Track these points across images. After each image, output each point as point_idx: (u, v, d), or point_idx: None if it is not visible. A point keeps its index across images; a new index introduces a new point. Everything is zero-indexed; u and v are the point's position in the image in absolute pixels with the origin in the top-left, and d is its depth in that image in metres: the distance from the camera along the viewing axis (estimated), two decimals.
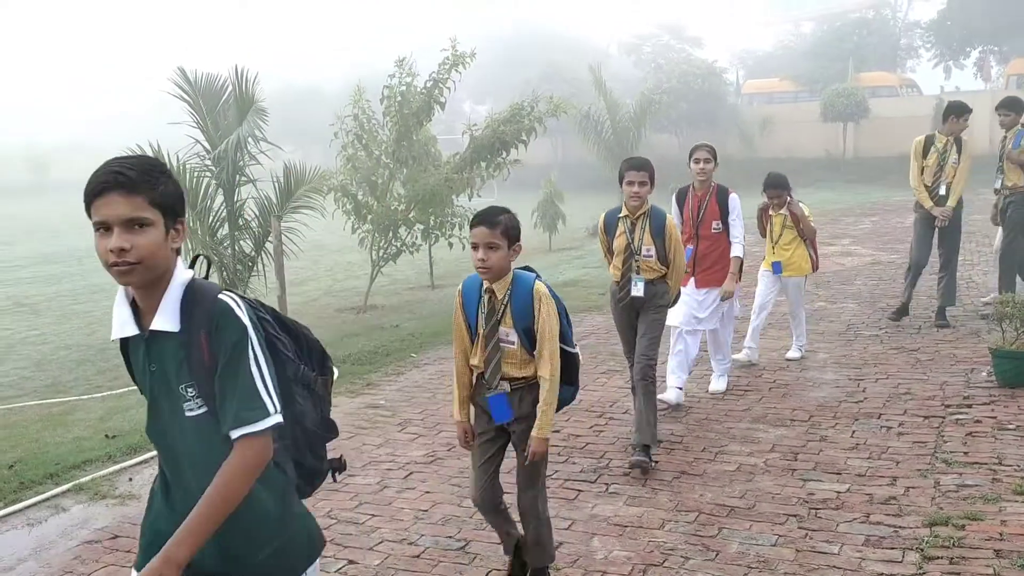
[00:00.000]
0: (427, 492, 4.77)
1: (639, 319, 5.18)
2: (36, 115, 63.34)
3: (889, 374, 6.42)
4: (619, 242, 5.19)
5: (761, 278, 7.12)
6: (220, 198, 9.42)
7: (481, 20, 43.26)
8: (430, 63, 11.44)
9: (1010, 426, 5.15)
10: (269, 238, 9.13)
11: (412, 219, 11.40)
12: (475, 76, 30.86)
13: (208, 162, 9.35)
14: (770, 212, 7.00)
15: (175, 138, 9.39)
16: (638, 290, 5.12)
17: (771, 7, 53.61)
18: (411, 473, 5.07)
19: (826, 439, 5.18)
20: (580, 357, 3.71)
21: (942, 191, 7.76)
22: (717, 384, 6.35)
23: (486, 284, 3.48)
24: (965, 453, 4.80)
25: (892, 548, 3.80)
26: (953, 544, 3.78)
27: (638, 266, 5.12)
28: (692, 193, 6.07)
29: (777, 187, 6.84)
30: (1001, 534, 3.84)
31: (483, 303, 3.49)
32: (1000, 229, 8.34)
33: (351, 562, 4.02)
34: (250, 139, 9.14)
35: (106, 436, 6.05)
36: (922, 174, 7.83)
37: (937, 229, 7.84)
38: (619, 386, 6.55)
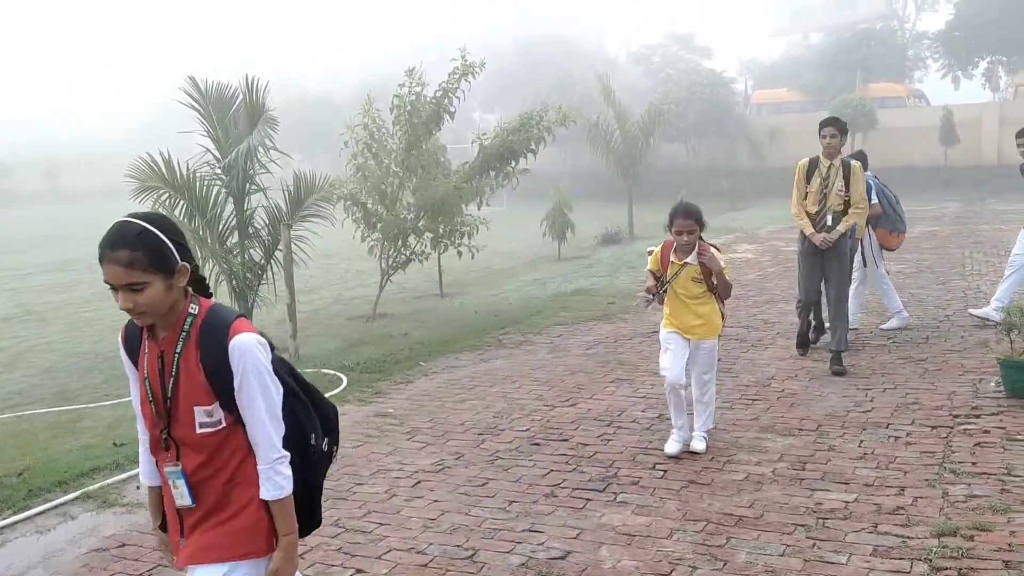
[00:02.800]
0: (435, 501, 4.77)
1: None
2: (46, 122, 63.79)
3: (897, 384, 6.41)
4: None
5: (671, 344, 5.22)
6: (230, 206, 9.47)
7: (491, 29, 43.44)
8: (440, 67, 11.49)
9: (1019, 436, 5.13)
10: (279, 246, 9.18)
11: (421, 228, 11.43)
12: (485, 85, 31.10)
13: (218, 171, 9.41)
14: (672, 257, 5.18)
15: (185, 145, 9.46)
16: None
17: (779, 18, 53.65)
18: (419, 482, 5.07)
19: (834, 449, 5.16)
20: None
21: (828, 220, 6.82)
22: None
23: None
24: (973, 463, 4.78)
25: (900, 558, 3.79)
26: (962, 555, 3.77)
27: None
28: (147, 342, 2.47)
29: (688, 216, 5.02)
30: (1010, 544, 3.83)
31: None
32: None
33: (359, 571, 4.03)
34: (260, 148, 9.19)
35: (114, 444, 6.08)
36: (805, 199, 6.92)
37: (823, 263, 6.92)
38: (627, 395, 6.55)
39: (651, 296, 5.32)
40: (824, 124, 6.84)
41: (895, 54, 38.25)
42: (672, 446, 5.26)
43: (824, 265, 6.93)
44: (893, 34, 40.79)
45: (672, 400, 5.26)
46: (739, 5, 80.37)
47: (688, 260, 5.12)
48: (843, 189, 6.74)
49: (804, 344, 7.47)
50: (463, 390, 7.03)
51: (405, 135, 11.26)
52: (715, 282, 5.18)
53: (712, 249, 5.14)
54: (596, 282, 12.50)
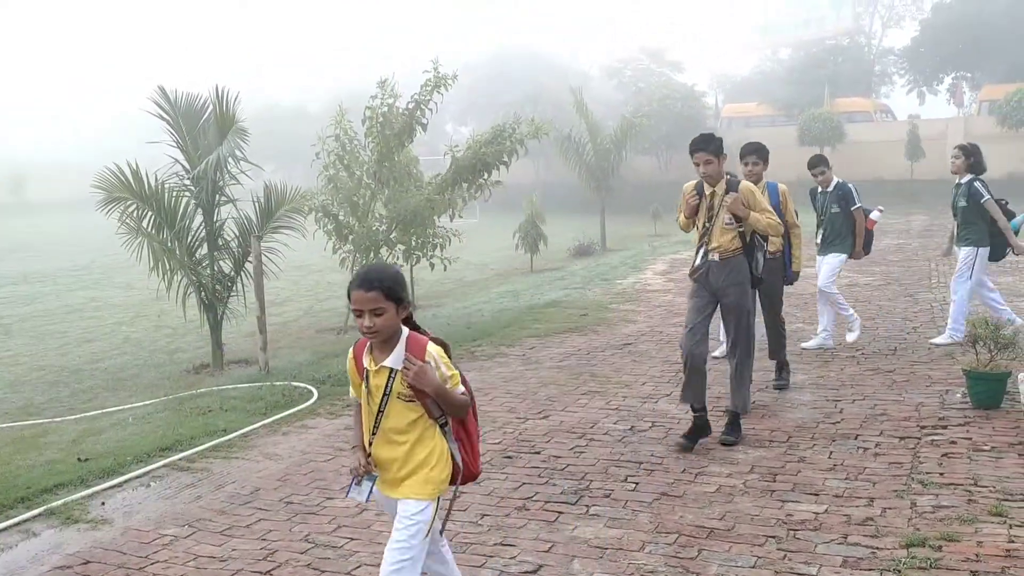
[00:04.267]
0: None
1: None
2: (11, 132, 62.79)
3: (865, 395, 6.47)
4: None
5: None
6: (199, 218, 9.38)
7: (466, 44, 43.64)
8: (415, 80, 11.50)
9: (985, 447, 5.20)
10: (249, 258, 9.09)
11: (393, 240, 11.40)
12: (458, 98, 31.13)
13: (187, 181, 9.32)
14: (365, 360, 3.02)
15: (154, 155, 9.36)
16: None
17: (749, 33, 54.46)
18: None
19: (804, 460, 5.20)
20: None
21: (714, 256, 5.50)
22: None
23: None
24: (941, 474, 4.83)
25: (870, 569, 3.81)
26: (930, 565, 3.80)
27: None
28: None
29: (369, 285, 2.85)
30: (977, 555, 3.87)
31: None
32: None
33: None
34: (230, 158, 9.13)
35: (79, 459, 5.97)
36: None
37: (719, 298, 5.64)
38: (599, 407, 6.55)
39: (358, 477, 3.06)
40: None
41: (862, 69, 38.99)
42: None
43: (721, 303, 5.58)
44: (860, 50, 41.58)
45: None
46: (710, 20, 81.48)
47: (388, 364, 2.96)
48: (732, 221, 5.39)
49: (696, 432, 5.52)
50: None
51: (377, 147, 11.24)
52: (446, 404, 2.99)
53: (431, 348, 2.97)
54: (569, 294, 12.52)
